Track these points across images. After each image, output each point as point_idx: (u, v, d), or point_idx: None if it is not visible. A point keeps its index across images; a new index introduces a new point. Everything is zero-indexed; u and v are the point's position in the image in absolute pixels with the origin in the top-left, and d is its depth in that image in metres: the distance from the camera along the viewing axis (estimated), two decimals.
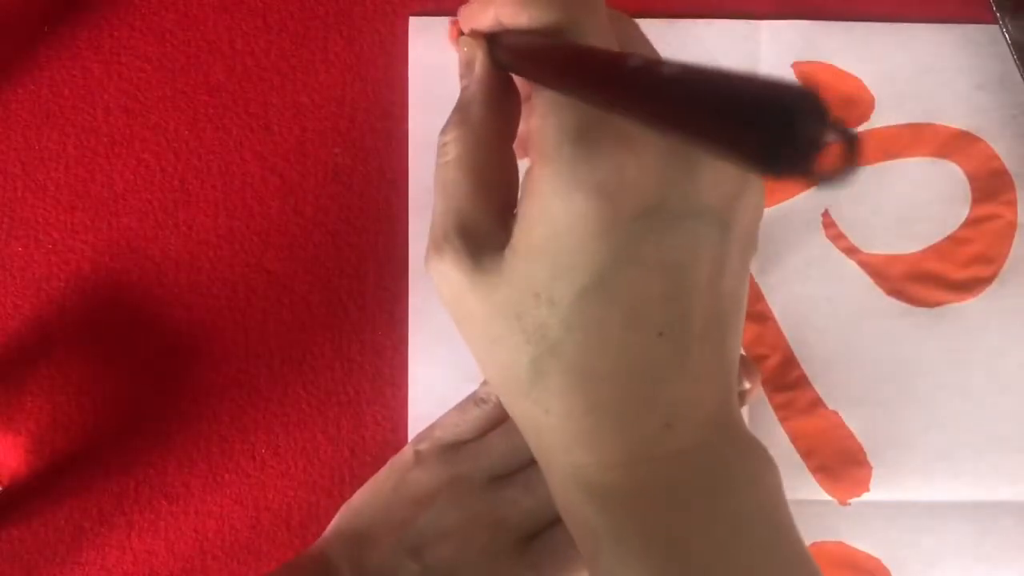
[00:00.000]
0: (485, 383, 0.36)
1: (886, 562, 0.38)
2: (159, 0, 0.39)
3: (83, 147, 0.38)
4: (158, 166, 0.38)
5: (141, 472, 0.38)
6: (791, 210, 0.39)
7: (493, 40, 0.26)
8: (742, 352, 0.37)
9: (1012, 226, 0.39)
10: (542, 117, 0.23)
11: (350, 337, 0.38)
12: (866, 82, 0.39)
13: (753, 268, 0.38)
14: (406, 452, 0.36)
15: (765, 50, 0.39)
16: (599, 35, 0.24)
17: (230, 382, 0.38)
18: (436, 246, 0.25)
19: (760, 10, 0.39)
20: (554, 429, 0.24)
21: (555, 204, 0.22)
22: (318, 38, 0.39)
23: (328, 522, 0.37)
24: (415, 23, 0.38)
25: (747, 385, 0.36)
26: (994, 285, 0.39)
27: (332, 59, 0.39)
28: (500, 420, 0.36)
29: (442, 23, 0.38)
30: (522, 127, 0.27)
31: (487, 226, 0.25)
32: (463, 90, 0.26)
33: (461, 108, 0.26)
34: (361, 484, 0.38)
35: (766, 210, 0.38)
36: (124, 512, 0.38)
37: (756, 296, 0.38)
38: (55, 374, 0.38)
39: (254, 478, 0.38)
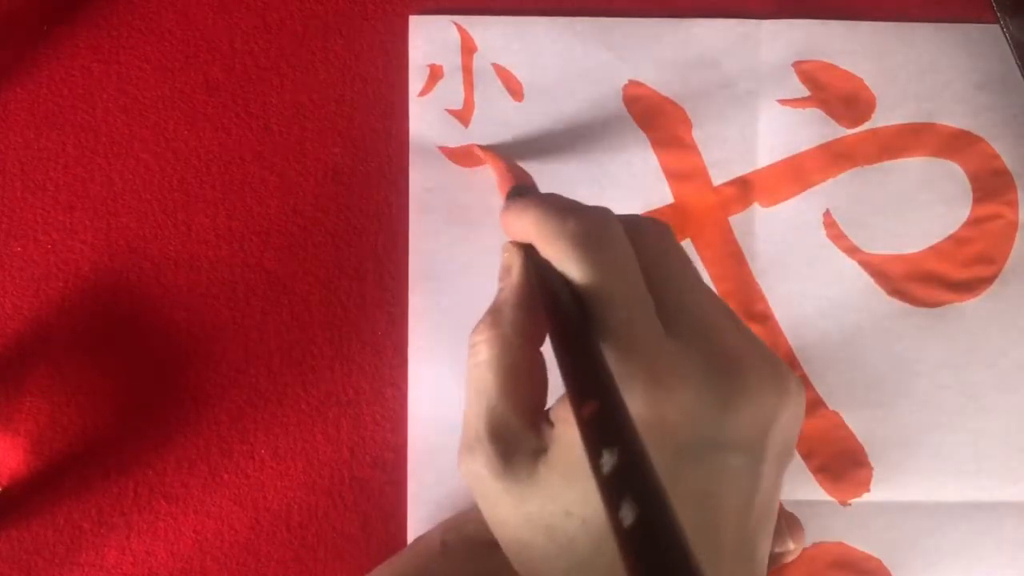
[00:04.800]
0: None
1: (886, 562, 0.38)
2: (159, 0, 0.39)
3: (82, 147, 0.38)
4: (157, 166, 0.38)
5: (140, 473, 0.38)
6: (792, 210, 0.38)
7: (531, 250, 0.27)
8: (789, 511, 0.37)
9: (1013, 226, 0.39)
10: None
11: (350, 337, 0.38)
12: (867, 82, 0.39)
13: (754, 268, 0.38)
14: (432, 539, 0.36)
15: (765, 50, 0.39)
16: (628, 303, 0.24)
17: (229, 382, 0.38)
18: (468, 447, 0.25)
19: (760, 9, 0.39)
20: None
21: None
22: (318, 38, 0.39)
23: (327, 523, 0.37)
24: (415, 23, 0.38)
25: (791, 546, 0.36)
26: (995, 285, 0.38)
27: (332, 59, 0.39)
28: None
29: (442, 23, 0.38)
30: None
31: (518, 429, 0.25)
32: (499, 292, 0.27)
33: (494, 310, 0.27)
34: (360, 485, 0.38)
35: (767, 209, 0.38)
36: (123, 513, 0.38)
37: (756, 296, 0.38)
38: (55, 374, 0.38)
39: (253, 479, 0.38)
